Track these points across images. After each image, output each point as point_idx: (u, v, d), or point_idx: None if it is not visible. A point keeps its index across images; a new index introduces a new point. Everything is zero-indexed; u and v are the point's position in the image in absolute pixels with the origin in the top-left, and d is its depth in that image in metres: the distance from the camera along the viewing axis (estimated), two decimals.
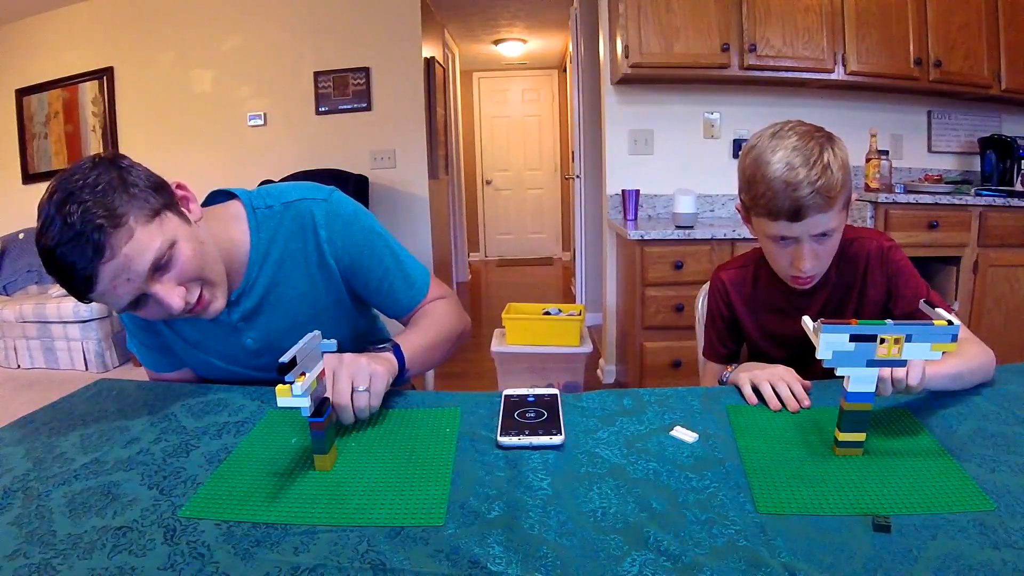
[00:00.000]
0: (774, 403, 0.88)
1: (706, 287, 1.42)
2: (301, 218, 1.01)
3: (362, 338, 1.17)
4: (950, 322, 0.70)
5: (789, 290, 1.11)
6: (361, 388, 0.82)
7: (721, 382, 1.12)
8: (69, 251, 0.76)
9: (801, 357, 1.08)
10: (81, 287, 0.79)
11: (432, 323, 1.07)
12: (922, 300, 0.81)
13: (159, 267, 0.83)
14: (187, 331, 1.04)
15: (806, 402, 0.87)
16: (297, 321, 1.03)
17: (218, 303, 0.92)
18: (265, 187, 1.05)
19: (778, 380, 0.90)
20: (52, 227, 0.76)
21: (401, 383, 0.97)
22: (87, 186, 0.78)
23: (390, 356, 0.91)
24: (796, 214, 0.94)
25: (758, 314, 1.16)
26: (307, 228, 1.01)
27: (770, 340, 1.16)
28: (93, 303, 0.85)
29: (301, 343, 0.70)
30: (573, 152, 4.36)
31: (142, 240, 0.80)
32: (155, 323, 1.05)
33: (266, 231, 1.00)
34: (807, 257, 0.98)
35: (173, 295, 0.84)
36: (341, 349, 0.83)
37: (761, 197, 0.97)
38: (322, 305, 1.05)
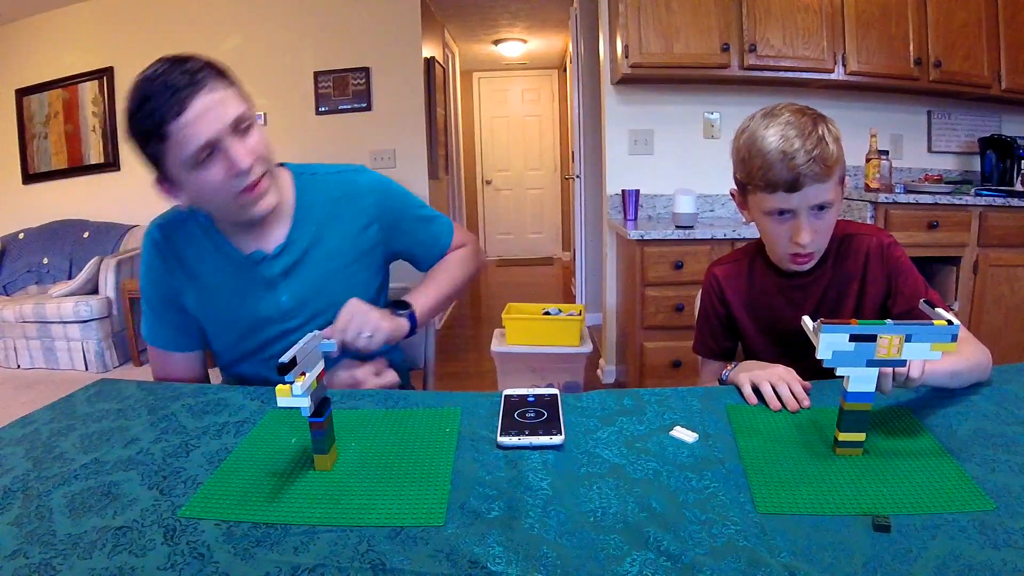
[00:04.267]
0: (774, 403, 0.88)
1: None
2: (344, 186, 1.12)
3: (373, 301, 1.18)
4: (950, 322, 0.70)
5: (785, 283, 1.11)
6: (365, 334, 0.99)
7: (721, 381, 1.12)
8: (177, 77, 0.86)
9: (798, 352, 1.08)
10: (172, 107, 0.86)
11: (446, 277, 1.20)
12: (922, 300, 0.81)
13: (238, 128, 0.92)
14: (223, 292, 1.07)
15: (806, 402, 0.87)
16: (332, 279, 1.10)
17: (271, 197, 0.99)
18: (304, 164, 1.15)
19: (778, 380, 0.90)
20: (157, 65, 0.88)
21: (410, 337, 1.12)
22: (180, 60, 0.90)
23: (403, 322, 1.07)
24: (794, 184, 0.95)
25: (753, 308, 1.16)
26: (350, 194, 1.12)
27: (766, 335, 1.16)
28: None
29: (301, 343, 0.70)
30: (573, 152, 4.36)
31: (233, 98, 0.92)
32: (187, 291, 1.08)
33: (311, 194, 1.10)
34: (805, 229, 0.99)
35: (243, 152, 0.92)
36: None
37: (758, 170, 0.98)
38: (355, 266, 1.13)
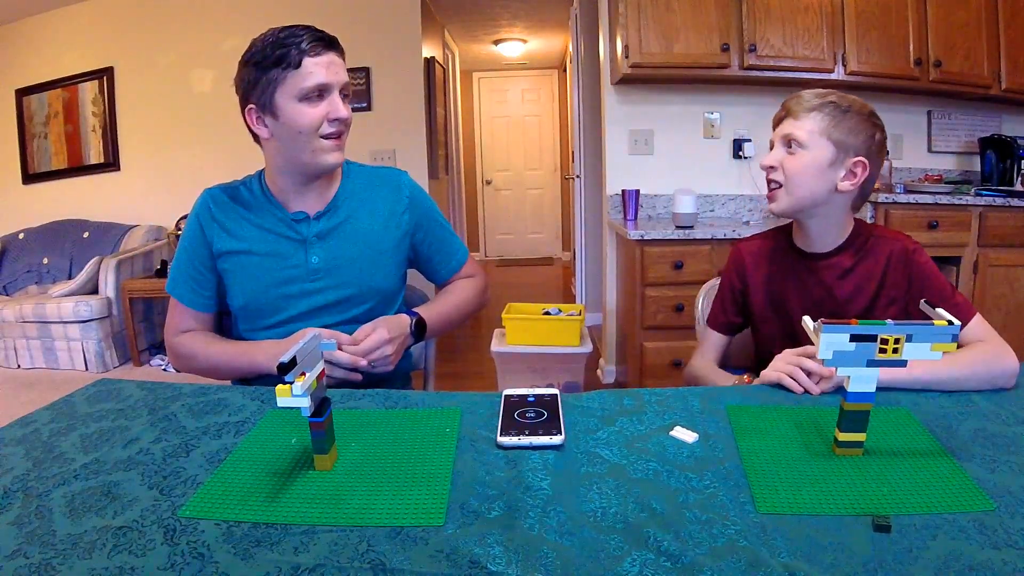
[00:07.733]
0: (797, 388, 0.91)
1: (707, 286, 1.43)
2: (386, 177, 1.26)
3: (393, 296, 1.27)
4: (950, 322, 0.70)
5: (802, 266, 1.15)
6: (376, 366, 1.09)
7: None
8: (322, 33, 1.09)
9: (799, 334, 1.09)
10: (314, 47, 1.05)
11: (453, 299, 1.31)
12: (922, 300, 0.81)
13: (343, 93, 1.10)
14: (259, 244, 1.16)
15: (827, 371, 0.89)
16: (361, 254, 1.19)
17: (340, 155, 1.13)
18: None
19: (790, 369, 0.92)
20: (301, 25, 1.10)
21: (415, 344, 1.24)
22: None
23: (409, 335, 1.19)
24: (782, 119, 1.09)
25: (768, 285, 1.19)
26: (395, 187, 1.25)
27: (773, 312, 1.19)
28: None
29: (301, 343, 0.70)
30: (573, 152, 4.36)
31: (346, 69, 1.12)
32: (224, 245, 1.15)
33: (356, 178, 1.23)
34: (771, 155, 1.10)
35: (343, 104, 1.10)
36: (379, 301, 1.19)
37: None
38: (384, 248, 1.21)
